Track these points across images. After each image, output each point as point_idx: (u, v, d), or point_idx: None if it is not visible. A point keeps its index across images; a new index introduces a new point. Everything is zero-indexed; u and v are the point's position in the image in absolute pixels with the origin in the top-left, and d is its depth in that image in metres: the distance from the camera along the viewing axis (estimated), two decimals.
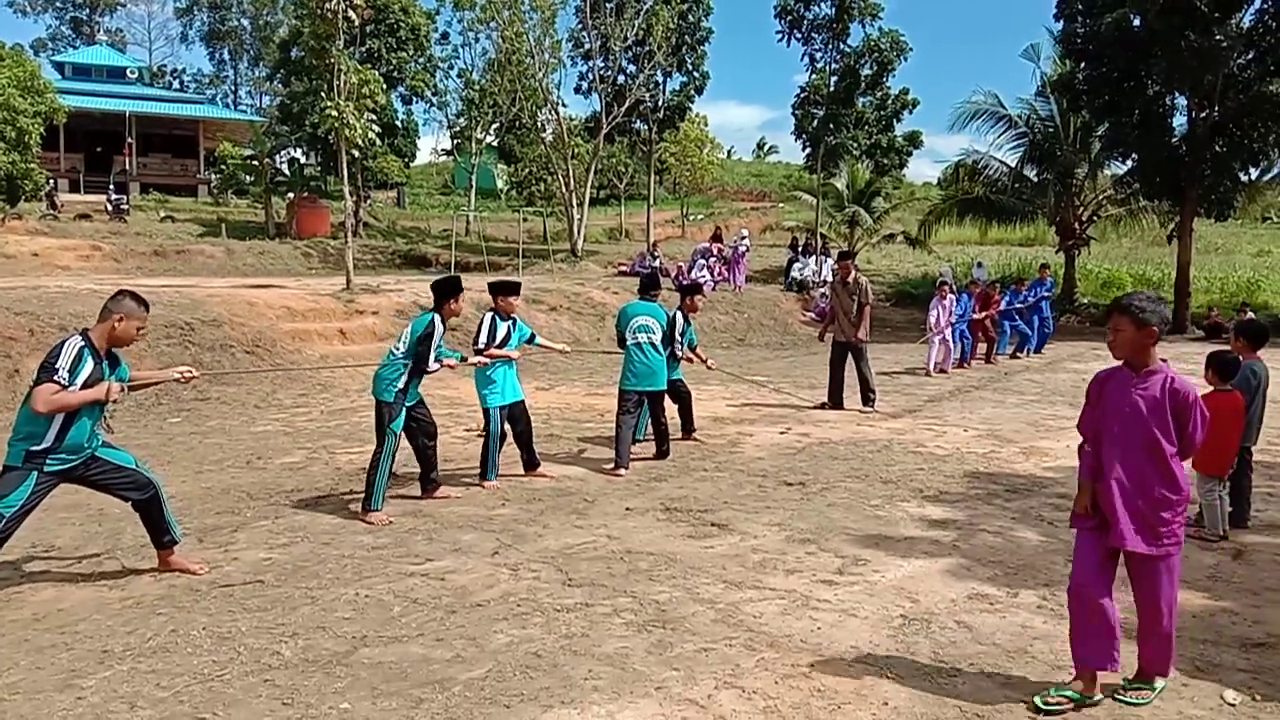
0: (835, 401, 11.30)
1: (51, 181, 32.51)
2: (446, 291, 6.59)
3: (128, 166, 42.42)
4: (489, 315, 7.29)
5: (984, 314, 16.88)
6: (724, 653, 4.09)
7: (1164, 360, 3.54)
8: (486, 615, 4.53)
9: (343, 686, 3.77)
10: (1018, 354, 18.10)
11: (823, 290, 25.15)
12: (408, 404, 6.43)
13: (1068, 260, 27.41)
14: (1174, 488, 3.56)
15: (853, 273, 11.42)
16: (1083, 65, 23.70)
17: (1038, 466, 8.15)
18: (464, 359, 7.03)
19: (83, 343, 4.60)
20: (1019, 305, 18.22)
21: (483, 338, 7.16)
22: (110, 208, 33.90)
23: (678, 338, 8.72)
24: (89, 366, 4.57)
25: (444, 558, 5.45)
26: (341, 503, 6.79)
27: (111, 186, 38.41)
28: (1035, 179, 27.60)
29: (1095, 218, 27.60)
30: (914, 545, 5.74)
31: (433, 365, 6.47)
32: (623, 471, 7.68)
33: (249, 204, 37.83)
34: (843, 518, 6.36)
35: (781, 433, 9.67)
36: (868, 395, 11.22)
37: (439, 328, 6.47)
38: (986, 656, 4.08)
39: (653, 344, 8.06)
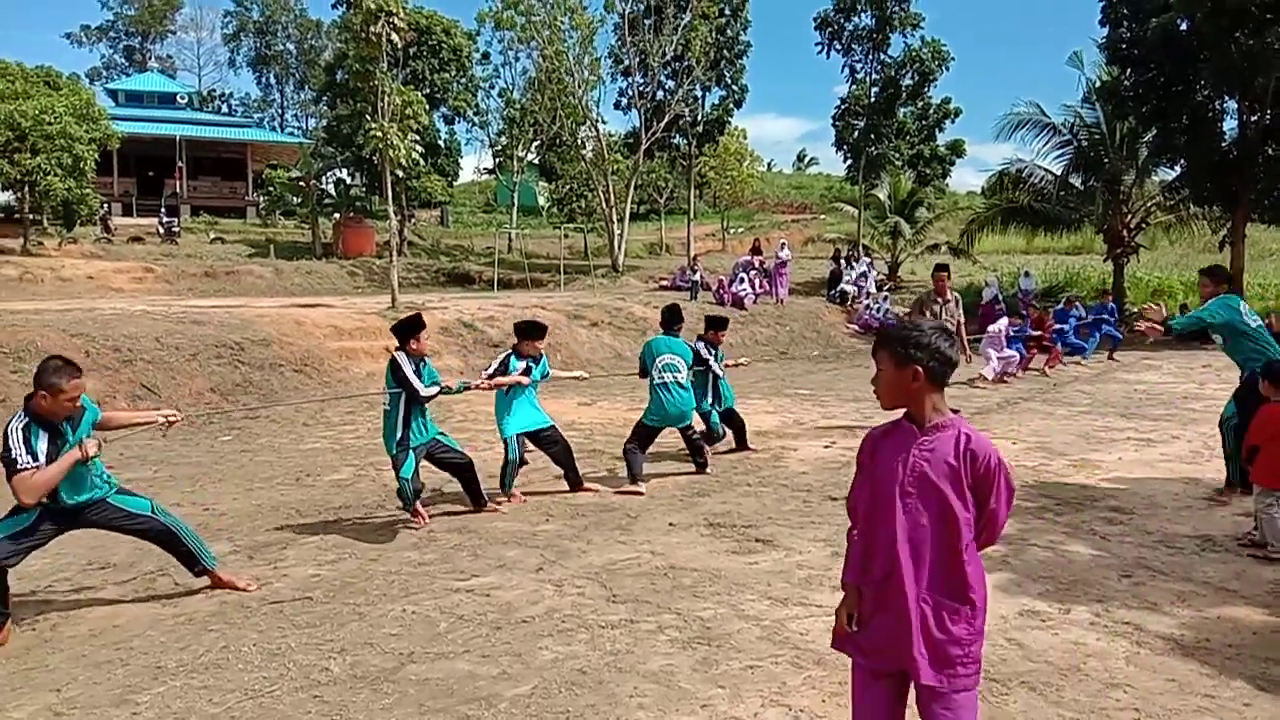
0: None
1: (105, 205, 33.33)
2: (406, 332, 6.59)
3: (178, 189, 43.37)
4: (507, 354, 7.34)
5: (1039, 334, 16.98)
6: (770, 670, 4.06)
7: (955, 412, 2.65)
8: (532, 631, 4.55)
9: (390, 703, 3.79)
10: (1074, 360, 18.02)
11: (866, 302, 25.00)
12: (421, 443, 6.50)
13: (1116, 269, 26.95)
14: (961, 591, 2.55)
15: (949, 286, 10.60)
16: (1128, 71, 23.35)
17: (1089, 479, 8.00)
18: (467, 386, 7.13)
19: (25, 419, 4.45)
20: (1072, 325, 18.05)
21: (490, 370, 7.30)
22: (162, 230, 34.70)
23: (713, 364, 8.72)
24: (43, 439, 4.46)
25: (489, 574, 5.48)
26: (388, 519, 6.86)
27: (163, 209, 39.28)
28: (1081, 186, 27.20)
29: (1144, 225, 27.12)
30: None
31: (426, 389, 6.43)
32: (642, 487, 7.63)
33: (296, 225, 38.52)
34: None
35: (826, 446, 9.60)
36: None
37: (404, 359, 6.44)
38: (1038, 674, 4.00)
39: (679, 383, 7.98)
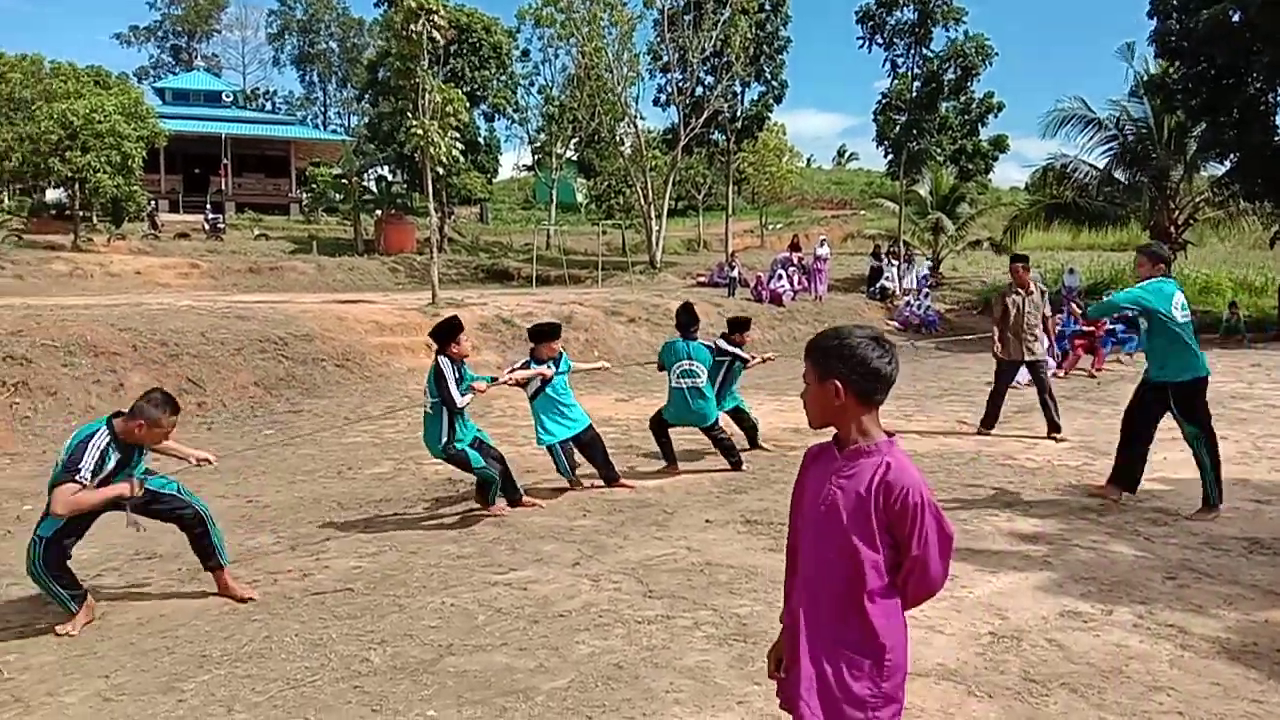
0: (990, 425, 10.12)
1: (153, 202, 33.98)
2: (445, 337, 6.60)
3: (224, 187, 44.10)
4: (526, 361, 7.38)
5: (1091, 329, 16.40)
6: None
7: (889, 436, 2.30)
8: (568, 625, 4.57)
9: (429, 694, 3.84)
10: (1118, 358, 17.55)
11: (906, 299, 24.79)
12: (466, 443, 6.59)
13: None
14: (866, 645, 2.21)
15: (1033, 278, 10.05)
16: (1177, 64, 22.89)
17: None
18: (494, 380, 7.09)
19: (108, 438, 4.51)
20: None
21: (508, 369, 7.40)
22: (207, 226, 35.32)
23: (736, 352, 8.61)
24: (111, 464, 4.52)
25: (526, 568, 5.52)
26: (429, 512, 6.94)
27: (208, 206, 40.00)
28: (1127, 182, 26.74)
29: (1192, 221, 26.60)
30: (1003, 560, 5.60)
31: (462, 400, 6.46)
32: (679, 467, 8.08)
33: (338, 221, 39.00)
34: None
35: None
36: (1055, 425, 9.74)
37: (448, 368, 6.46)
38: (1079, 676, 3.95)
39: (696, 388, 7.93)
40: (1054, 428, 9.74)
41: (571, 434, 7.34)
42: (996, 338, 9.98)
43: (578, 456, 7.53)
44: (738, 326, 8.93)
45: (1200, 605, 4.78)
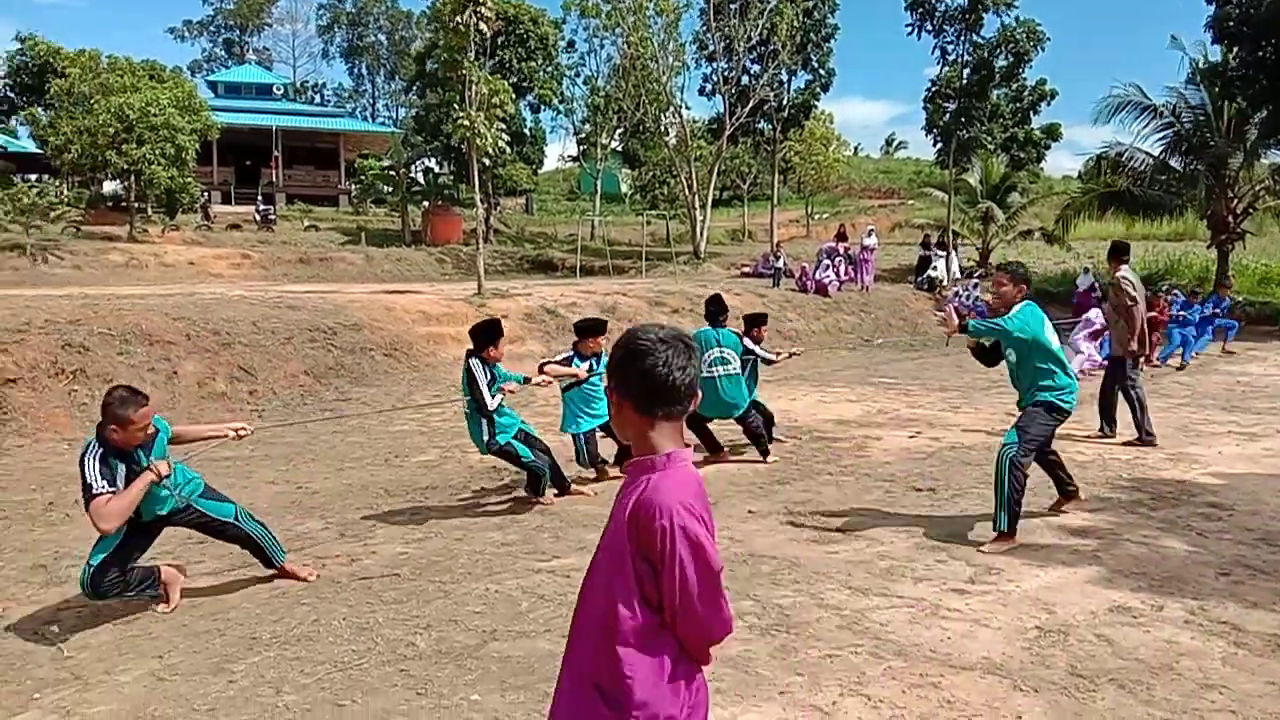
0: (1109, 424, 9.38)
1: (206, 194, 34.57)
2: (484, 338, 6.53)
3: (274, 178, 44.78)
4: (569, 354, 7.36)
5: (1154, 316, 15.78)
6: (849, 660, 4.04)
7: (683, 450, 1.99)
8: None
9: (473, 679, 3.89)
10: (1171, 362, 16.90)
11: (955, 289, 24.47)
12: (509, 436, 6.58)
13: (1220, 255, 25.78)
14: (613, 693, 1.89)
15: (1120, 270, 9.28)
16: (1236, 50, 22.27)
17: (1186, 473, 7.71)
18: (526, 380, 6.92)
19: (100, 449, 4.42)
20: (1193, 316, 16.90)
21: (548, 361, 7.39)
22: (258, 218, 35.90)
23: (759, 350, 8.51)
24: (121, 471, 4.44)
25: (569, 555, 5.55)
26: (474, 500, 7.01)
27: (259, 197, 40.63)
28: (1182, 170, 26.08)
29: (1251, 210, 25.85)
30: (1051, 554, 5.53)
31: (493, 401, 6.41)
32: (724, 450, 8.24)
33: (387, 213, 39.41)
34: (975, 525, 6.17)
35: (911, 436, 9.45)
36: (1144, 431, 8.98)
37: (478, 369, 6.39)
38: (1128, 672, 3.89)
39: (728, 375, 7.92)
40: (1144, 436, 8.99)
41: (598, 424, 7.34)
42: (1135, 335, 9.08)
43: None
44: (754, 322, 8.87)
45: (1255, 602, 4.68)
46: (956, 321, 5.92)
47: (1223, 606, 4.62)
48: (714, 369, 7.92)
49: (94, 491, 4.29)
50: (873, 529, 6.09)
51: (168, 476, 4.55)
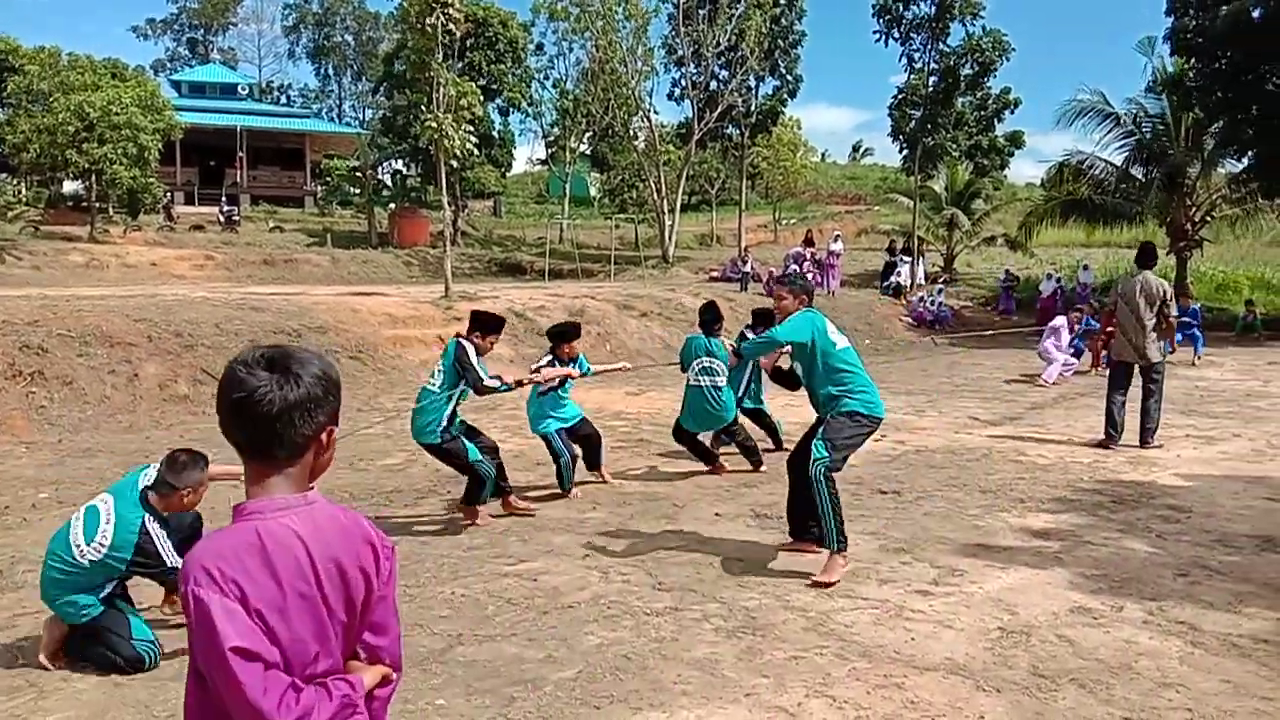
0: (1116, 432, 9.13)
1: (169, 194, 34.15)
2: (484, 326, 6.30)
3: (239, 179, 44.26)
4: (549, 360, 7.17)
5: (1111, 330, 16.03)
6: (815, 661, 4.06)
7: (278, 498, 1.67)
8: (577, 617, 4.59)
9: (439, 683, 3.86)
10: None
11: (920, 294, 24.71)
12: (458, 433, 6.21)
13: (1179, 263, 26.28)
14: None
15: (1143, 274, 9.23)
16: (1194, 61, 22.71)
17: (1146, 476, 7.84)
18: (520, 383, 6.66)
19: (157, 523, 4.21)
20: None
21: (534, 366, 7.23)
22: (222, 219, 35.50)
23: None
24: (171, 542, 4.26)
25: (537, 559, 5.54)
26: (439, 503, 6.96)
27: (223, 198, 40.15)
28: (1143, 178, 26.56)
29: (1209, 218, 26.40)
30: (1013, 556, 5.59)
31: (489, 382, 6.09)
32: (720, 463, 7.96)
33: (353, 214, 39.14)
34: (939, 527, 6.23)
35: (876, 440, 9.48)
36: (1148, 430, 9.07)
37: (471, 349, 6.11)
38: (1088, 672, 3.95)
39: (716, 386, 7.66)
40: (1146, 438, 9.09)
41: (565, 425, 7.15)
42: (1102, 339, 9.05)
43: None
44: (763, 319, 8.50)
45: (1211, 603, 4.76)
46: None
47: (1180, 607, 4.70)
48: (700, 379, 7.68)
49: (169, 564, 4.12)
50: None
51: None
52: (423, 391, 6.26)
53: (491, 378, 6.18)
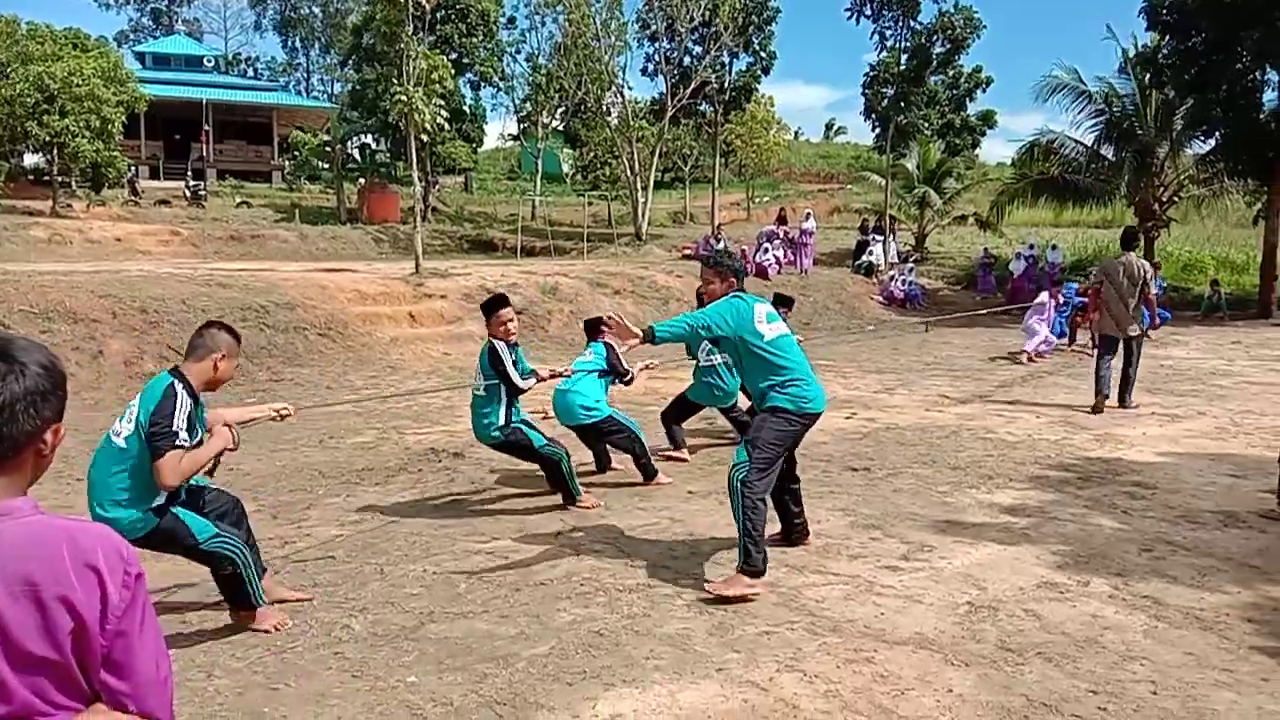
0: (1105, 397, 10.00)
1: (133, 169, 33.53)
2: (486, 312, 6.21)
3: (205, 153, 43.53)
4: (603, 346, 7.11)
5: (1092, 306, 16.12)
6: (785, 636, 4.08)
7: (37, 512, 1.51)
8: (550, 594, 4.59)
9: (410, 660, 3.85)
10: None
11: (891, 273, 24.83)
12: (518, 423, 6.07)
13: (1147, 242, 26.53)
14: None
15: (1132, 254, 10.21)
16: (1167, 38, 22.86)
17: (1113, 453, 7.94)
18: (558, 373, 6.66)
19: (187, 394, 3.91)
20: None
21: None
22: (189, 194, 34.92)
23: None
24: (201, 426, 4.03)
25: (508, 536, 5.53)
26: (411, 481, 6.93)
27: (189, 173, 39.49)
28: (1113, 158, 26.76)
29: (1176, 199, 26.66)
30: (982, 532, 5.65)
31: (524, 384, 5.98)
32: (685, 453, 7.71)
33: (321, 190, 38.64)
34: (908, 504, 6.29)
35: (847, 418, 9.57)
36: (1127, 393, 10.18)
37: (502, 348, 5.98)
38: (1055, 646, 4.00)
39: (727, 365, 7.51)
40: (1125, 398, 10.22)
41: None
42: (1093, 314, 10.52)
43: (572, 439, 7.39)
44: (783, 302, 8.54)
45: (1175, 577, 4.84)
46: (636, 333, 4.57)
47: (1145, 582, 4.77)
48: (711, 358, 7.54)
49: (178, 441, 3.80)
50: (809, 508, 6.14)
51: (234, 450, 4.23)
52: (473, 398, 6.16)
53: (526, 377, 6.03)
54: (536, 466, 6.44)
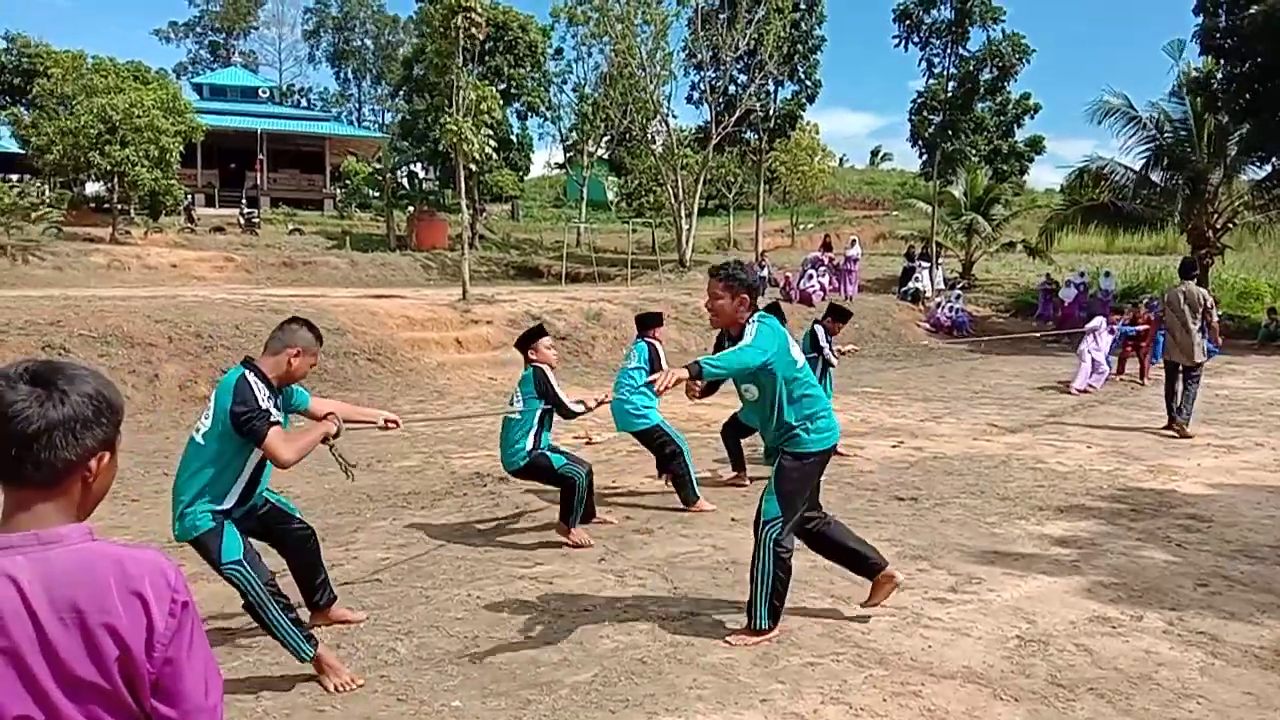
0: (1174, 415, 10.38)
1: (189, 196, 34.33)
2: (523, 344, 6.22)
3: (259, 182, 44.55)
4: (649, 345, 7.22)
5: (1145, 328, 15.79)
6: (830, 668, 4.04)
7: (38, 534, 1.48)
8: (593, 620, 4.59)
9: (454, 685, 3.87)
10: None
11: (938, 300, 24.60)
12: (543, 449, 6.00)
13: (1201, 269, 26.02)
14: None
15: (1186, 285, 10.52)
16: (1222, 62, 22.49)
17: (1166, 485, 7.77)
18: (602, 401, 6.49)
19: (261, 382, 3.92)
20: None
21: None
22: (242, 221, 35.70)
23: (827, 350, 8.60)
24: (282, 414, 4.01)
25: (553, 562, 5.54)
26: (456, 505, 6.98)
27: (244, 201, 40.43)
28: (1163, 184, 26.32)
29: (1231, 225, 26.12)
30: (1032, 564, 5.56)
31: (575, 407, 5.97)
32: (745, 479, 7.72)
33: (371, 217, 39.32)
34: (956, 534, 6.20)
35: (894, 446, 9.48)
36: (1185, 415, 10.26)
37: (550, 373, 6.01)
38: (1107, 682, 3.92)
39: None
40: (1175, 417, 10.36)
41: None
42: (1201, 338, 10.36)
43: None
44: (839, 316, 8.82)
45: (1232, 613, 4.72)
46: (681, 374, 3.97)
47: (1201, 617, 4.66)
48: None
49: (272, 418, 3.81)
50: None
51: (338, 436, 4.18)
52: (504, 423, 6.12)
53: (575, 402, 6.04)
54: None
